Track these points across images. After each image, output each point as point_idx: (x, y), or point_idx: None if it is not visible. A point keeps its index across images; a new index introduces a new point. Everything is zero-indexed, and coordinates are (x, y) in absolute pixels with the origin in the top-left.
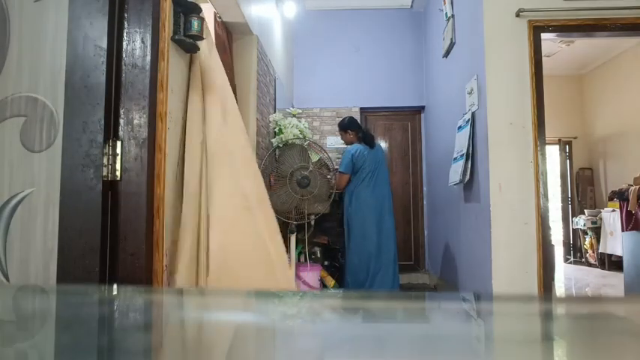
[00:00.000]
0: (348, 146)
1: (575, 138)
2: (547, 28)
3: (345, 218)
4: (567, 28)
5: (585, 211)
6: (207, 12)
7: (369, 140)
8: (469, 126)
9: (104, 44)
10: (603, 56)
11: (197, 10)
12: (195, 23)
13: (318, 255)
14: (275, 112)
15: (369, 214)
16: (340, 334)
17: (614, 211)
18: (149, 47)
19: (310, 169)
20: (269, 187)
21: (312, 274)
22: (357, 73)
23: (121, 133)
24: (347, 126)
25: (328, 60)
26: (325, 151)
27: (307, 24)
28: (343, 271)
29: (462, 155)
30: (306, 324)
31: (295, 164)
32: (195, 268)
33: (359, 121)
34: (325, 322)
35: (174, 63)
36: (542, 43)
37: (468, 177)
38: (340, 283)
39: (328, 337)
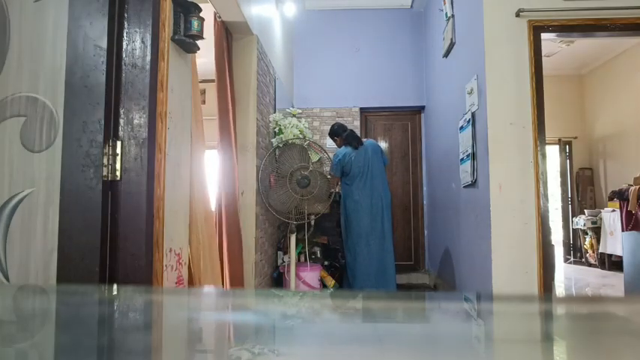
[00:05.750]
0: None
1: (575, 138)
2: (547, 28)
3: (341, 219)
4: (567, 28)
5: (585, 211)
6: (207, 12)
7: (351, 141)
8: (471, 126)
9: (104, 44)
10: (603, 56)
11: (197, 10)
12: (195, 23)
13: (318, 255)
14: (275, 112)
15: (363, 214)
16: (340, 334)
17: (614, 211)
18: (149, 47)
19: (310, 169)
20: (269, 187)
21: (312, 274)
22: (357, 73)
23: (121, 133)
24: (333, 133)
25: (328, 60)
26: (325, 151)
27: (307, 24)
28: (343, 271)
29: (467, 155)
30: (306, 324)
31: (295, 164)
32: None
33: (359, 120)
34: (325, 322)
35: (174, 63)
36: (542, 43)
37: (475, 177)
38: (340, 283)
39: (328, 337)
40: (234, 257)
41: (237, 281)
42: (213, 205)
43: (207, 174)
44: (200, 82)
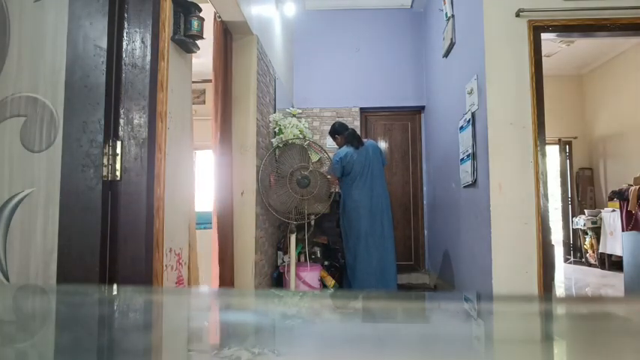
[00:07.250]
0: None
1: (575, 138)
2: (547, 28)
3: (340, 219)
4: (567, 28)
5: (585, 211)
6: (207, 12)
7: (352, 140)
8: (470, 126)
9: (104, 44)
10: (603, 56)
11: (197, 10)
12: (195, 23)
13: (318, 255)
14: (275, 112)
15: (363, 214)
16: (340, 334)
17: (614, 211)
18: (149, 47)
19: (310, 169)
20: (269, 187)
21: (312, 274)
22: (357, 73)
23: (121, 133)
24: (335, 131)
25: (328, 60)
26: (325, 151)
27: (307, 24)
28: (343, 271)
29: (468, 155)
30: (306, 324)
31: (295, 164)
32: None
33: (359, 121)
34: (325, 322)
35: (174, 63)
36: (542, 43)
37: (475, 177)
38: (340, 283)
39: (328, 337)
40: (225, 258)
41: (227, 282)
42: (196, 205)
43: (194, 174)
44: (200, 82)
